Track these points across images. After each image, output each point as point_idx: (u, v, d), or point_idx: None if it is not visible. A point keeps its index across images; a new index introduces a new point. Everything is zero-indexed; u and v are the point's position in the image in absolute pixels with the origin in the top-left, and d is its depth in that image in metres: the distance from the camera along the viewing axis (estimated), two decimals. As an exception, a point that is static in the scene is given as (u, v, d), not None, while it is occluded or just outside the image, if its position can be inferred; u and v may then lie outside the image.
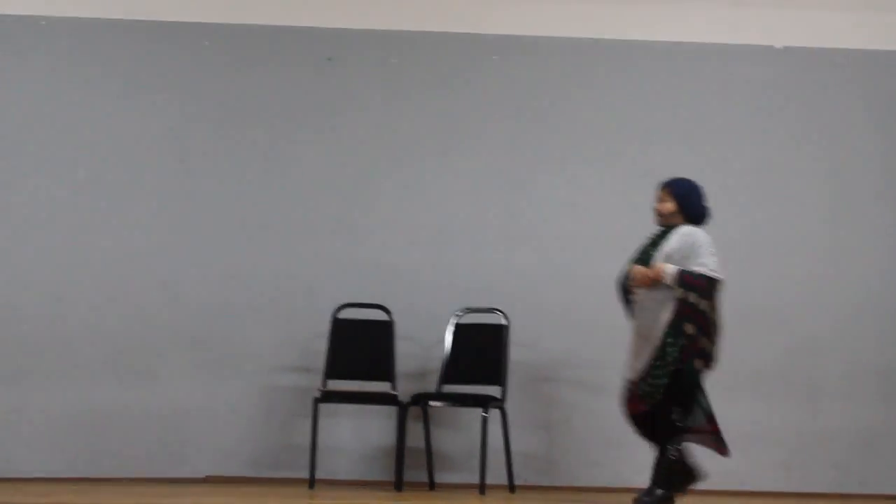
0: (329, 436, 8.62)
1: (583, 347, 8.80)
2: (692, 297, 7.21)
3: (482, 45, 9.03)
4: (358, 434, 8.79)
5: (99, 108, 8.87)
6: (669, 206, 7.43)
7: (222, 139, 8.93)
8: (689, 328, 7.20)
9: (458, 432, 8.76)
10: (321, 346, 8.71)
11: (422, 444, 8.63)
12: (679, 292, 7.20)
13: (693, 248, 7.27)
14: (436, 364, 8.74)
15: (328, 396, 8.47)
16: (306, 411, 8.49)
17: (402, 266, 8.88)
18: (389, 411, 8.57)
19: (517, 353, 8.70)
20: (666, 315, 7.23)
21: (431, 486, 8.64)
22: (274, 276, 8.85)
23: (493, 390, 8.51)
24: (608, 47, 9.07)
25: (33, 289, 8.71)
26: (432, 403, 8.56)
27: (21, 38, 8.85)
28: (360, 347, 8.70)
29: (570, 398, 8.80)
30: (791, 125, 9.10)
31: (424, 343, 8.82)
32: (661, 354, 7.23)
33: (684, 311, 7.21)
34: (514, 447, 8.53)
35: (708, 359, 7.27)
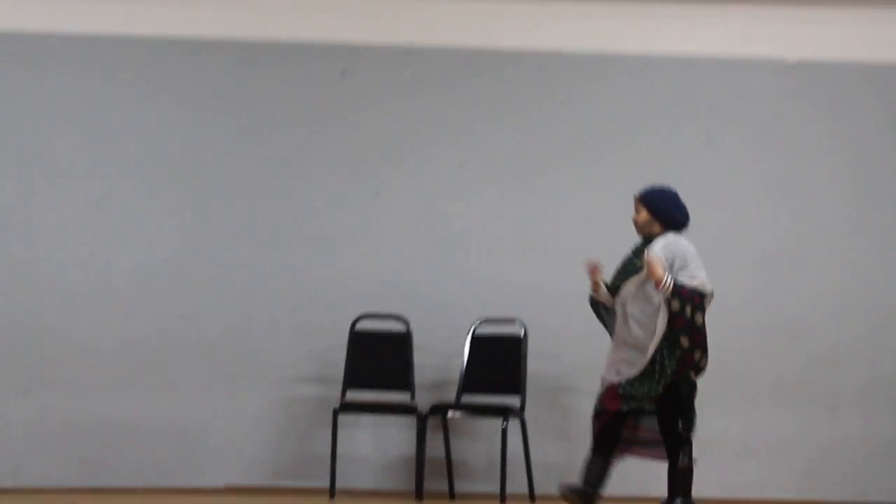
0: (349, 446, 8.65)
1: (601, 357, 8.72)
2: (688, 311, 7.21)
3: (495, 59, 9.04)
4: (377, 444, 8.81)
5: (115, 123, 8.91)
6: (643, 215, 7.43)
7: (238, 153, 8.97)
8: (685, 341, 7.21)
9: (478, 442, 8.77)
10: (340, 357, 8.73)
11: (441, 454, 8.64)
12: (675, 305, 7.19)
13: (682, 259, 7.26)
14: (454, 374, 8.75)
15: (348, 407, 8.50)
16: (326, 422, 8.51)
17: (419, 277, 8.90)
18: (409, 421, 8.59)
19: (535, 363, 8.72)
20: (661, 328, 7.23)
21: (451, 495, 8.65)
22: (292, 288, 8.88)
23: (511, 400, 8.52)
24: (625, 61, 9.08)
25: (53, 300, 8.76)
26: (451, 414, 8.57)
27: (36, 56, 8.89)
28: (378, 358, 8.72)
29: (589, 408, 8.71)
30: (807, 138, 9.09)
31: (443, 353, 8.84)
32: (657, 367, 7.23)
33: (679, 325, 7.22)
34: (533, 457, 8.53)
35: (699, 370, 7.28)
